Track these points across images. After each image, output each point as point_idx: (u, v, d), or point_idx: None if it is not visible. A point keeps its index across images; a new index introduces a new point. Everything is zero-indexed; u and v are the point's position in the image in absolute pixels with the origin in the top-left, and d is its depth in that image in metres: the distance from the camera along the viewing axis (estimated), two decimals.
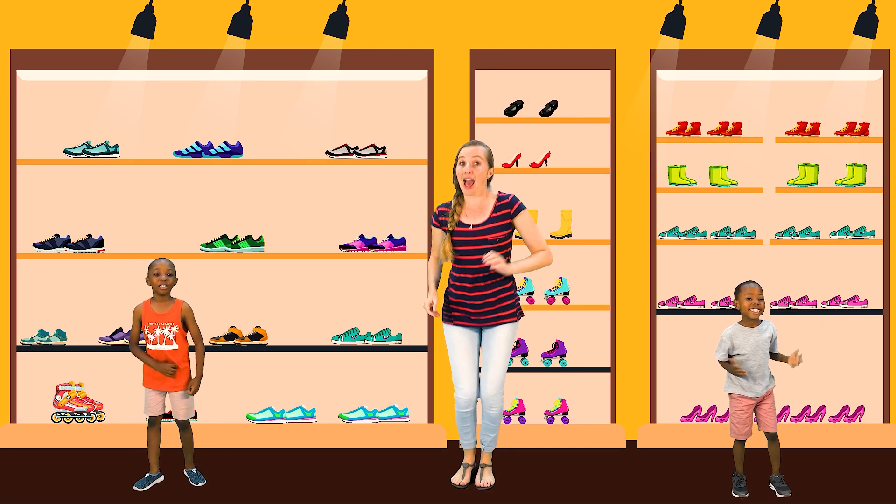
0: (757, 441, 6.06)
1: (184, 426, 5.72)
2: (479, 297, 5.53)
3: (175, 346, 5.65)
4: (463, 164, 5.49)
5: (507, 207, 5.51)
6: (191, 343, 5.81)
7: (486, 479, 5.68)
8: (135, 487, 5.62)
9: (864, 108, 6.87)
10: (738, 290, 5.52)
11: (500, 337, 5.56)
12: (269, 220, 6.94)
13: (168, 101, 6.91)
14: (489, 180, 5.56)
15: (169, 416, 6.07)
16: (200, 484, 5.69)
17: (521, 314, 5.65)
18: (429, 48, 6.79)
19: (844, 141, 6.82)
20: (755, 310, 5.44)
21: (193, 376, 5.72)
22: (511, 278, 5.61)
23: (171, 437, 6.23)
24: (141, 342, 6.07)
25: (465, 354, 5.58)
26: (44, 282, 6.89)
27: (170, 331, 5.63)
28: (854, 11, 6.72)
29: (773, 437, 5.49)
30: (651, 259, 6.79)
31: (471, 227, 5.51)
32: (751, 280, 5.59)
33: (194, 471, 5.74)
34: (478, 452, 5.94)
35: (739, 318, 5.56)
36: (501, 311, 5.56)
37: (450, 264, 5.61)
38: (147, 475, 5.68)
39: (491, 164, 5.54)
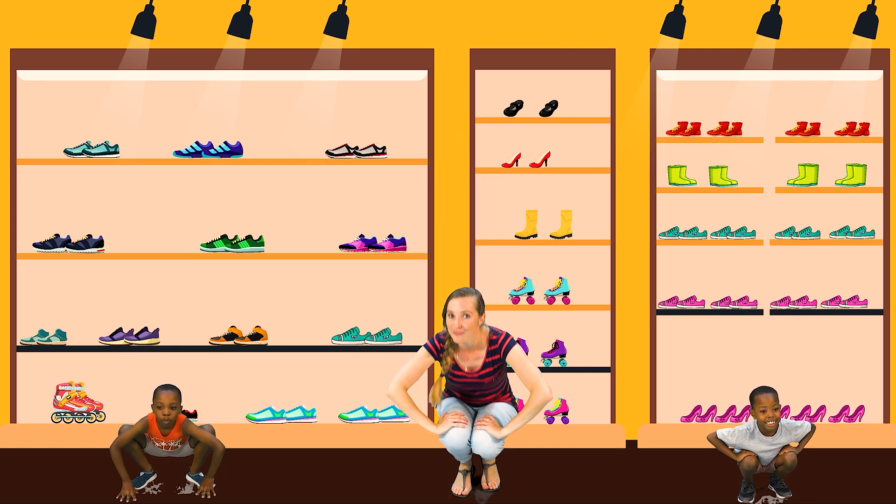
0: None
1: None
2: (475, 400, 5.62)
3: (180, 444, 5.60)
4: (452, 316, 5.34)
5: (497, 353, 5.44)
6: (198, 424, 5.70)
7: (492, 480, 5.65)
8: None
9: (864, 108, 6.87)
10: (752, 399, 5.33)
11: (499, 405, 5.59)
12: (269, 220, 6.94)
13: (168, 101, 6.91)
14: (482, 325, 5.44)
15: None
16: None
17: (517, 407, 5.67)
18: (429, 48, 6.79)
19: (844, 141, 6.82)
20: (771, 422, 5.28)
21: (209, 473, 5.55)
22: (508, 391, 5.66)
23: None
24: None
25: (457, 406, 5.56)
26: (44, 282, 6.89)
27: (175, 443, 5.58)
28: (854, 11, 6.72)
29: (787, 469, 5.41)
30: (651, 259, 6.79)
31: (465, 370, 5.48)
32: (764, 387, 5.34)
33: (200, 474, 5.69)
34: (474, 458, 5.86)
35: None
36: (499, 397, 5.65)
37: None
38: (141, 473, 5.66)
39: (482, 311, 5.39)
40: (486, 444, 5.41)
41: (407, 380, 5.47)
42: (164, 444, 5.55)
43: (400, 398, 5.47)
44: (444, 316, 5.40)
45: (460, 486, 5.57)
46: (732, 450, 5.43)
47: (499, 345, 5.44)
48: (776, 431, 5.35)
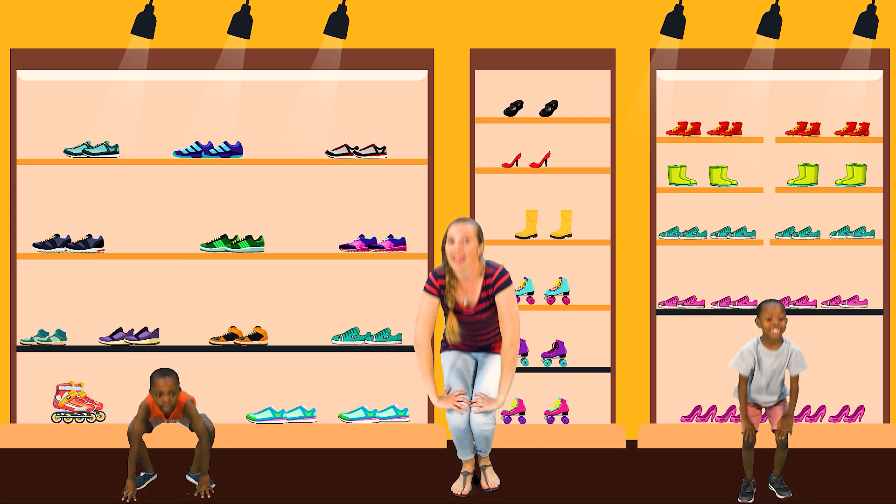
0: (761, 442, 6.04)
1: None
2: (474, 339, 5.59)
3: (183, 420, 5.56)
4: (452, 241, 5.33)
5: (490, 287, 5.42)
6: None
7: (491, 480, 5.65)
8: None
9: (864, 108, 6.87)
10: (759, 308, 5.38)
11: (497, 361, 5.55)
12: (269, 220, 6.94)
13: (168, 101, 6.92)
14: (480, 255, 5.42)
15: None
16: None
17: None
18: (429, 48, 6.79)
19: (844, 141, 6.83)
20: (775, 330, 5.31)
21: (202, 470, 5.50)
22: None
23: (163, 437, 6.24)
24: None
25: (458, 375, 5.54)
26: (44, 282, 6.89)
27: (175, 420, 5.54)
28: (854, 11, 6.72)
29: (782, 446, 5.43)
30: (651, 259, 6.79)
31: (464, 305, 5.46)
32: (772, 299, 5.42)
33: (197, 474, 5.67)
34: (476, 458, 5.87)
35: (760, 333, 5.43)
36: (498, 341, 5.59)
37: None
38: (142, 473, 5.66)
39: (481, 241, 5.38)
40: (478, 421, 5.42)
41: (430, 326, 5.46)
42: (167, 422, 5.53)
43: (427, 349, 5.45)
44: (442, 246, 5.38)
45: (460, 486, 5.57)
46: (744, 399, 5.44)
47: (493, 280, 5.42)
48: (780, 344, 5.35)
